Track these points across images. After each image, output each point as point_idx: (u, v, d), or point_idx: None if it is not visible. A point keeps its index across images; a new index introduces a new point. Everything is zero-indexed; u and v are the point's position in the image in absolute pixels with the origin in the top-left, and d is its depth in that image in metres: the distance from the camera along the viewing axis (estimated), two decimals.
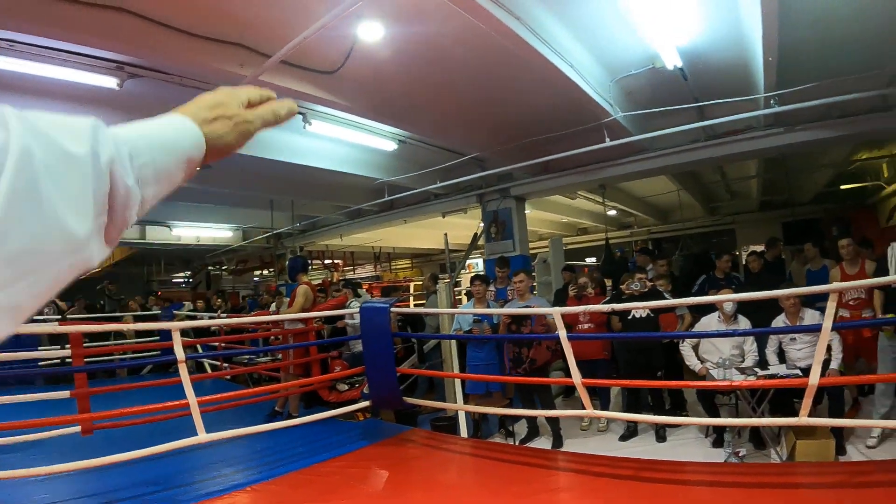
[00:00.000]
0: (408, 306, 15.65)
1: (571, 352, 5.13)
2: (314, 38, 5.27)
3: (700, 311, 7.25)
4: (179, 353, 5.30)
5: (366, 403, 6.79)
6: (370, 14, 5.51)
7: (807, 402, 4.34)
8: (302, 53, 6.08)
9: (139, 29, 5.43)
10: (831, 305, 4.29)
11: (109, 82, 6.67)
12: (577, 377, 5.10)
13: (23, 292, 0.66)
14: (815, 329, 4.87)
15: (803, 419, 4.41)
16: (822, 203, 18.94)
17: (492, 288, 8.92)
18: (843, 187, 16.71)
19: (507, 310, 7.09)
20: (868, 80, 7.56)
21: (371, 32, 5.86)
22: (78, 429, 5.28)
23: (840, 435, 5.82)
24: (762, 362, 6.50)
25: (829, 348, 5.98)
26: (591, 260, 18.27)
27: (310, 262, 20.09)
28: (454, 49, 6.65)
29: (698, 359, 6.64)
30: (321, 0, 5.07)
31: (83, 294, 15.48)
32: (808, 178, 16.57)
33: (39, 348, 10.56)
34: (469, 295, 9.30)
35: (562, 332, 5.08)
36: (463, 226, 14.11)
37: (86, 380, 5.75)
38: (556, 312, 5.21)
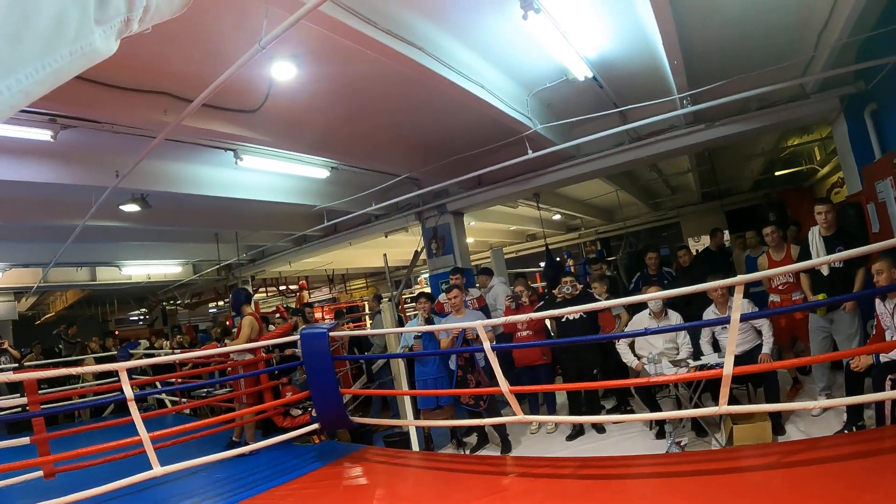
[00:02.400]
0: (364, 326, 15.77)
1: (497, 362, 5.27)
2: (234, 80, 5.39)
3: (635, 309, 7.51)
4: (128, 392, 5.35)
5: (316, 426, 6.92)
6: (281, 55, 5.73)
7: (724, 391, 4.45)
8: (224, 95, 6.23)
9: (64, 85, 5.55)
10: (738, 297, 4.46)
11: (44, 135, 6.81)
12: (504, 386, 5.24)
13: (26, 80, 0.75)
14: (745, 318, 5.12)
15: (722, 408, 4.54)
16: (761, 189, 19.40)
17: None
18: (777, 173, 17.16)
19: (437, 326, 7.24)
20: (783, 70, 7.87)
21: (285, 72, 6.09)
22: (40, 473, 5.34)
23: (778, 416, 6.02)
24: (697, 353, 6.71)
25: (759, 333, 6.30)
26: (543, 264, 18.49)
27: (265, 289, 20.07)
28: (368, 80, 6.89)
29: (635, 355, 6.85)
30: (236, 45, 5.21)
31: (40, 340, 15.37)
32: (744, 167, 17.01)
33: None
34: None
35: (486, 345, 5.23)
36: (407, 242, 14.26)
37: (44, 425, 5.77)
38: (478, 325, 5.38)
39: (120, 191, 8.53)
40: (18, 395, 10.04)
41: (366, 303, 16.77)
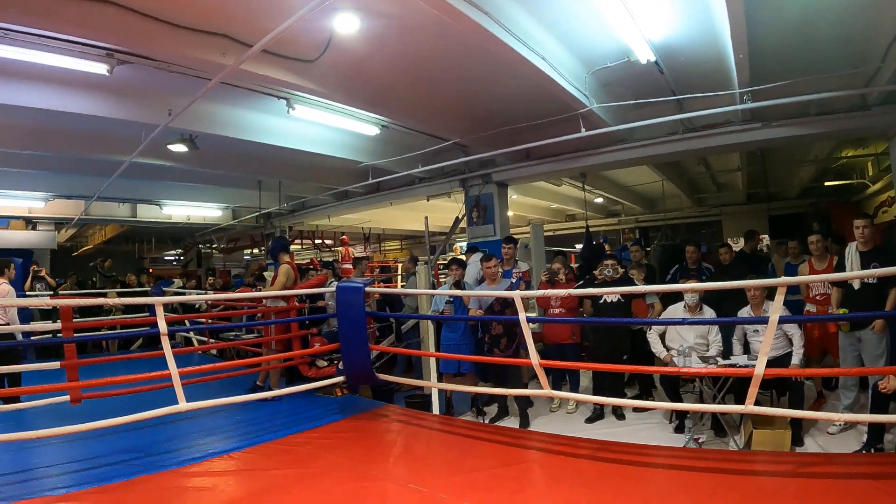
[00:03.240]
0: (395, 287, 15.85)
1: (530, 334, 5.30)
2: (294, 28, 5.43)
3: (669, 300, 7.47)
4: (162, 327, 5.48)
5: (341, 379, 7.01)
6: (346, 7, 5.72)
7: (752, 391, 4.46)
8: (282, 43, 6.24)
9: (126, 20, 5.66)
10: (779, 299, 4.40)
11: (100, 68, 6.90)
12: (535, 359, 5.28)
13: None
14: (782, 320, 5.02)
15: (749, 407, 4.53)
16: (808, 198, 19.09)
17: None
18: (827, 184, 16.84)
19: (471, 292, 7.28)
20: (847, 78, 7.69)
21: (347, 25, 6.06)
22: (67, 398, 5.44)
23: (798, 426, 5.94)
24: (727, 352, 6.64)
25: (791, 342, 6.16)
26: (579, 246, 18.43)
27: (300, 241, 20.22)
28: (429, 41, 6.85)
29: (664, 346, 6.81)
30: None
31: (76, 271, 15.66)
32: (794, 172, 16.74)
33: (31, 323, 10.81)
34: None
35: (521, 315, 5.25)
36: (448, 209, 14.22)
37: (75, 351, 5.90)
38: (516, 296, 5.38)
39: (169, 130, 8.64)
40: (51, 321, 10.32)
41: (399, 264, 16.83)
